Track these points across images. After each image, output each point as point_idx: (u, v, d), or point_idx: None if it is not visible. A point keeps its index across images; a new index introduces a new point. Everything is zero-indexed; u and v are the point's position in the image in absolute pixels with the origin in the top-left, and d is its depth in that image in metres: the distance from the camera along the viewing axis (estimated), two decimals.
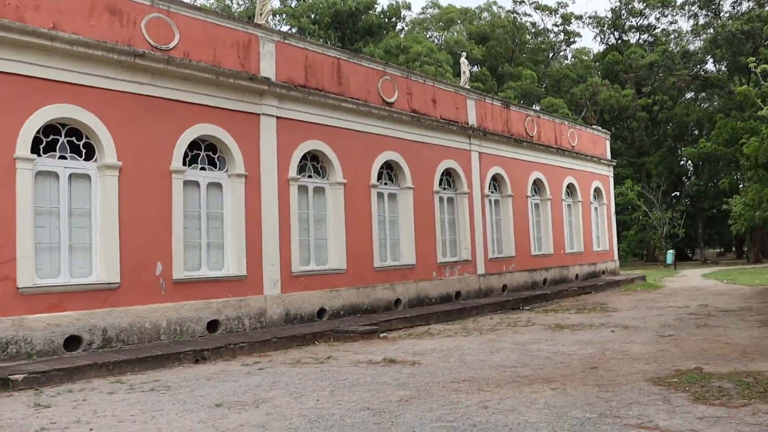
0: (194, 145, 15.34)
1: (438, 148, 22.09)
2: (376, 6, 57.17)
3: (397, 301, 19.78)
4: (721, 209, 62.16)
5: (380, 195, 20.00)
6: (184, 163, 14.94)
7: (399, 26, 63.66)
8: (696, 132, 61.26)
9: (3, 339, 11.82)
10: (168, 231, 14.33)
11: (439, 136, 22.15)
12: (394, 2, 59.82)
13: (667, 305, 21.78)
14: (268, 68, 16.52)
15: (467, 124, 23.48)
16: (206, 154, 15.64)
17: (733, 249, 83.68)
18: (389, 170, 20.59)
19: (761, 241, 59.24)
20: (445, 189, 22.80)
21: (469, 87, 24.51)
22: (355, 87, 19.00)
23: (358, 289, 18.48)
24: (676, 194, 65.70)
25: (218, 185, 15.71)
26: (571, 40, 72.02)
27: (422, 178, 21.27)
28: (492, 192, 25.14)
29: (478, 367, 11.61)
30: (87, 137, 13.54)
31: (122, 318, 13.38)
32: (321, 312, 17.38)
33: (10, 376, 10.56)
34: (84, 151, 13.55)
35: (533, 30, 71.25)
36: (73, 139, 13.47)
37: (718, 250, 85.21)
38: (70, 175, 13.34)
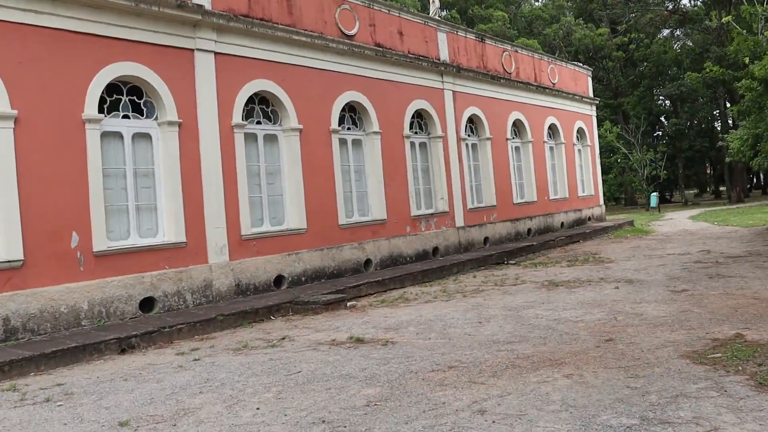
0: (114, 88, 12.74)
1: (407, 86, 19.55)
2: None
3: (368, 262, 17.45)
4: (698, 149, 60.62)
5: (343, 142, 17.51)
6: (101, 111, 12.34)
7: None
8: (675, 69, 58.88)
9: None
10: (84, 194, 11.79)
11: (408, 74, 19.59)
12: None
13: (665, 252, 19.72)
14: None
15: (439, 60, 20.94)
16: (129, 99, 13.03)
17: (708, 190, 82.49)
18: (352, 113, 18.06)
19: (742, 180, 57.66)
20: (416, 133, 20.34)
21: (439, 18, 21.90)
22: (309, 17, 16.37)
23: (322, 251, 16.10)
24: (657, 135, 63.75)
25: (146, 136, 13.14)
26: None
27: (390, 121, 18.78)
28: (469, 135, 22.72)
29: (466, 344, 9.35)
30: None
31: (29, 302, 10.90)
32: (279, 280, 15.00)
33: None
34: None
35: None
36: None
37: (695, 192, 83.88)
38: None
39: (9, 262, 10.77)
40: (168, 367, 9.26)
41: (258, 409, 6.92)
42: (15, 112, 10.97)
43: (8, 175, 10.86)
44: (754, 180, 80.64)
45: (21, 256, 10.89)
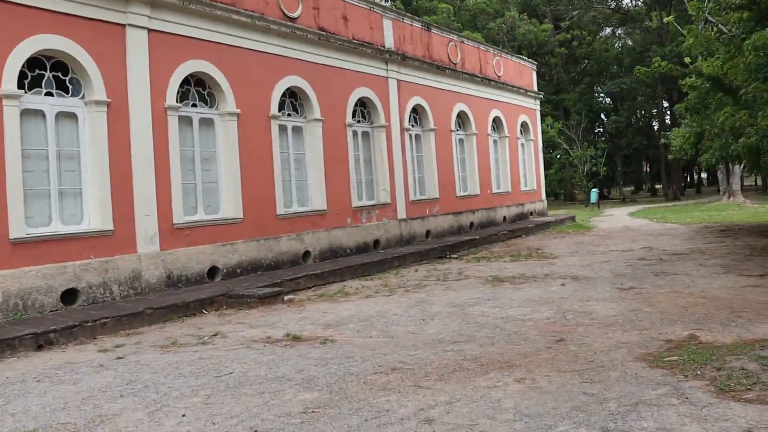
0: (36, 63, 11.82)
1: (350, 73, 18.92)
2: None
3: (306, 254, 16.79)
4: (636, 147, 61.44)
5: (283, 128, 16.77)
6: (21, 86, 11.42)
7: None
8: (615, 67, 59.52)
9: None
10: (0, 176, 10.90)
11: (352, 60, 18.96)
12: None
13: (608, 249, 19.57)
14: None
15: (384, 47, 20.35)
16: (53, 75, 12.11)
17: (644, 187, 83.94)
18: (293, 99, 17.35)
19: (678, 178, 58.68)
20: (359, 122, 19.72)
21: (385, 4, 21.30)
22: None
23: (259, 242, 15.40)
24: (597, 132, 64.40)
25: (72, 115, 12.24)
26: None
27: (333, 108, 18.13)
28: (412, 126, 22.19)
29: (410, 343, 8.83)
30: None
31: None
32: (213, 271, 14.26)
33: None
34: None
35: None
36: None
37: (632, 189, 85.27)
38: None
39: None
40: (88, 365, 8.51)
41: (183, 416, 6.26)
42: None
43: None
44: (688, 179, 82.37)
45: None
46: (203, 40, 14.40)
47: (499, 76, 28.06)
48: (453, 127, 24.27)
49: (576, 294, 12.10)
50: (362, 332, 9.74)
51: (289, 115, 17.11)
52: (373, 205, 19.66)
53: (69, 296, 11.67)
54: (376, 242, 19.48)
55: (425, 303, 11.97)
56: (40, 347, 9.68)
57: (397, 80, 20.98)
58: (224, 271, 14.45)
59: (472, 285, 13.90)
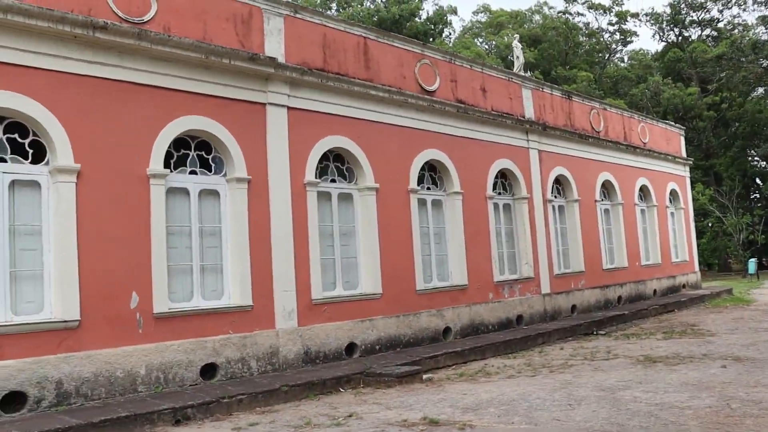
0: (181, 143, 12.24)
1: (490, 145, 18.63)
2: (421, 12, 54.30)
3: (447, 330, 16.33)
4: None
5: (422, 202, 16.61)
6: (168, 166, 11.82)
7: (446, 33, 60.47)
8: None
9: None
10: (146, 252, 11.19)
11: (491, 131, 18.68)
12: (439, 8, 57.22)
13: None
14: (275, 47, 13.37)
15: (524, 117, 19.98)
16: (197, 155, 12.49)
17: None
18: (432, 172, 17.19)
19: None
20: (500, 194, 19.31)
21: (523, 74, 21.00)
22: (387, 72, 15.72)
23: (398, 318, 15.11)
24: (753, 197, 60.80)
25: (214, 193, 12.56)
26: (628, 39, 67.89)
27: (472, 181, 17.82)
28: (555, 197, 21.56)
29: None
30: (35, 133, 10.56)
31: (83, 365, 10.26)
32: (351, 348, 14.06)
33: None
34: (31, 151, 10.57)
35: (586, 31, 67.30)
36: (16, 136, 10.47)
37: None
38: (12, 182, 10.35)
39: (65, 322, 10.19)
40: None
41: None
42: (78, 166, 10.55)
43: (68, 232, 10.39)
44: None
45: (77, 317, 10.31)
46: (341, 116, 14.56)
47: (644, 143, 27.01)
48: (598, 197, 23.42)
49: (740, 378, 11.00)
50: (503, 417, 9.15)
51: (428, 188, 16.95)
52: (515, 280, 19.03)
53: (208, 371, 11.74)
54: (519, 318, 18.77)
55: (571, 385, 11.21)
56: (177, 422, 9.70)
57: (539, 150, 20.49)
58: (362, 347, 14.21)
59: (621, 365, 12.99)
